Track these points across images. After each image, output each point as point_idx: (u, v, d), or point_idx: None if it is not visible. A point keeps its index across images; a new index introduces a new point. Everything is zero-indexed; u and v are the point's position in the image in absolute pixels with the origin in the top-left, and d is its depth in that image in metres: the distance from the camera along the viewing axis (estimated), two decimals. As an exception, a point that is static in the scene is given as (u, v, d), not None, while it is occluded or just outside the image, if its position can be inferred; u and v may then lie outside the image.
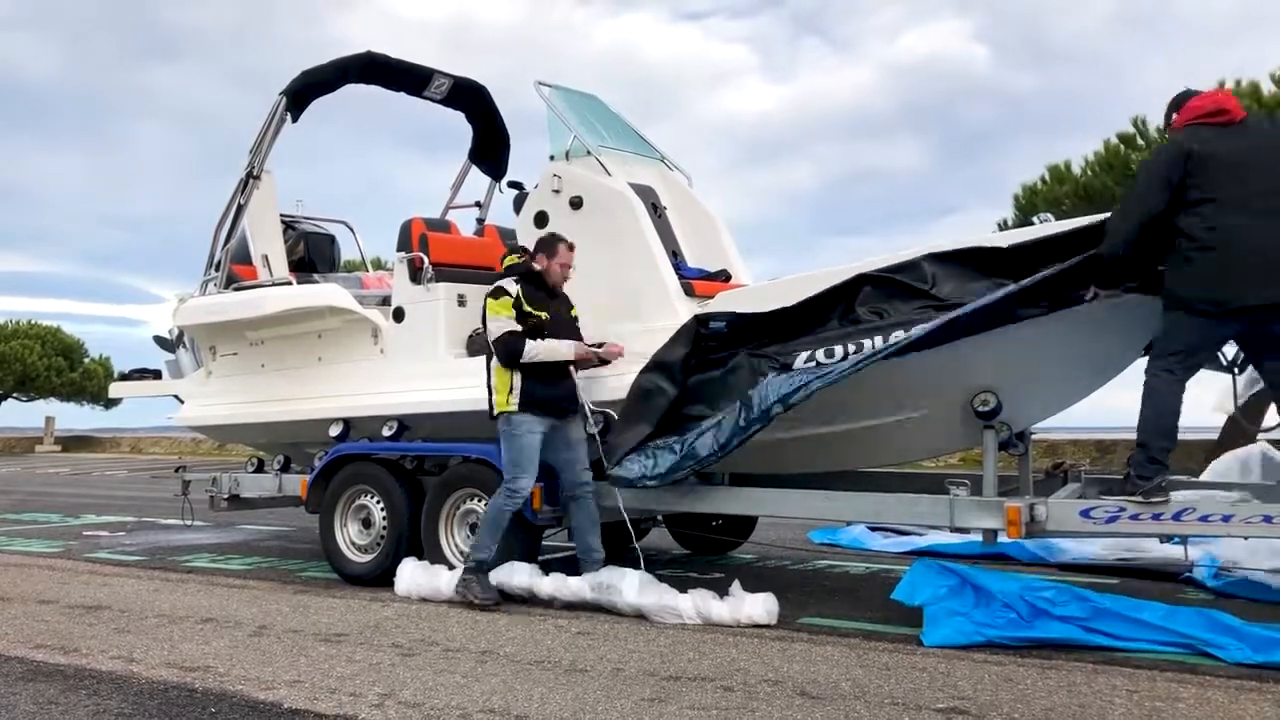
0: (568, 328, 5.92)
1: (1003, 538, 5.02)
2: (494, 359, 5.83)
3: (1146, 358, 4.87)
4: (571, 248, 5.97)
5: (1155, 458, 4.69)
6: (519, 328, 5.74)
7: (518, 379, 5.75)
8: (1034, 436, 6.32)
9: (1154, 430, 4.71)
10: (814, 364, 5.06)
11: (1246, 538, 5.32)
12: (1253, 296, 4.49)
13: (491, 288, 5.90)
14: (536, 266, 5.92)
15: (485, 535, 5.76)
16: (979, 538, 5.31)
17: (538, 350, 5.72)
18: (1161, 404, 4.70)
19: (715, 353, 5.45)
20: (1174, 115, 4.87)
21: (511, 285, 5.82)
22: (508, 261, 6.02)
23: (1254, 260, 4.47)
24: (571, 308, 6.04)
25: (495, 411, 5.83)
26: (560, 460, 5.87)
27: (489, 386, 5.88)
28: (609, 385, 5.89)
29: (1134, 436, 4.81)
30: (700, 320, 5.45)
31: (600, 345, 5.88)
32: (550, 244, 5.95)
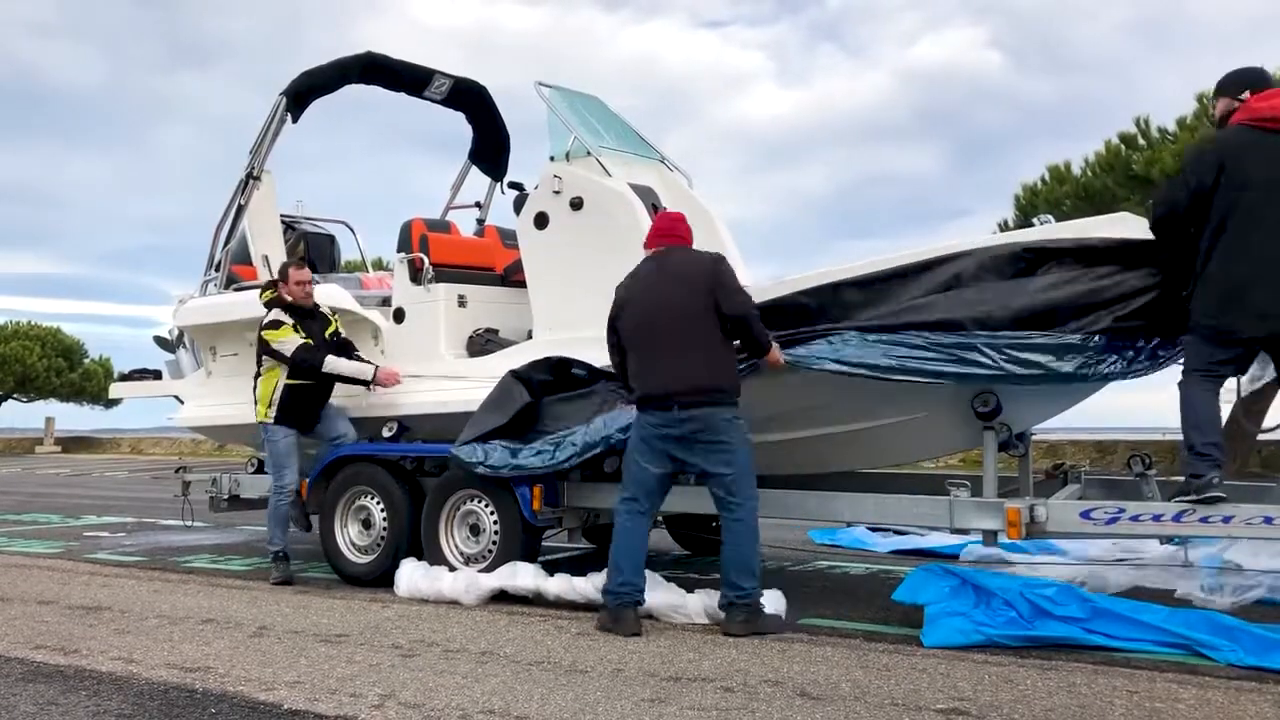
0: (326, 347, 6.73)
1: (1002, 539, 5.02)
2: (259, 374, 6.73)
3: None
4: (301, 267, 6.84)
5: (1201, 452, 4.60)
6: (310, 342, 6.61)
7: (278, 394, 6.65)
8: (1034, 437, 6.32)
9: (1192, 427, 4.63)
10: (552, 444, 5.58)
11: (1247, 539, 5.32)
12: (1251, 329, 4.47)
13: (266, 322, 6.66)
14: (286, 296, 6.74)
15: (275, 529, 6.69)
16: (979, 537, 5.31)
17: (340, 365, 6.64)
18: (1191, 405, 4.63)
19: (579, 384, 5.86)
20: (1244, 92, 4.66)
21: (282, 315, 6.67)
22: (264, 298, 6.83)
23: (1260, 289, 4.41)
24: (328, 326, 6.86)
25: (256, 419, 6.75)
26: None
27: (254, 395, 6.76)
28: (417, 400, 6.69)
29: (1133, 438, 4.82)
30: (566, 362, 5.91)
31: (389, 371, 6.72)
32: (282, 272, 6.83)
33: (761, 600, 5.04)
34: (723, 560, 5.05)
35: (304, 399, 6.72)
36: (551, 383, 5.87)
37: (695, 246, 5.41)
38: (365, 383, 6.71)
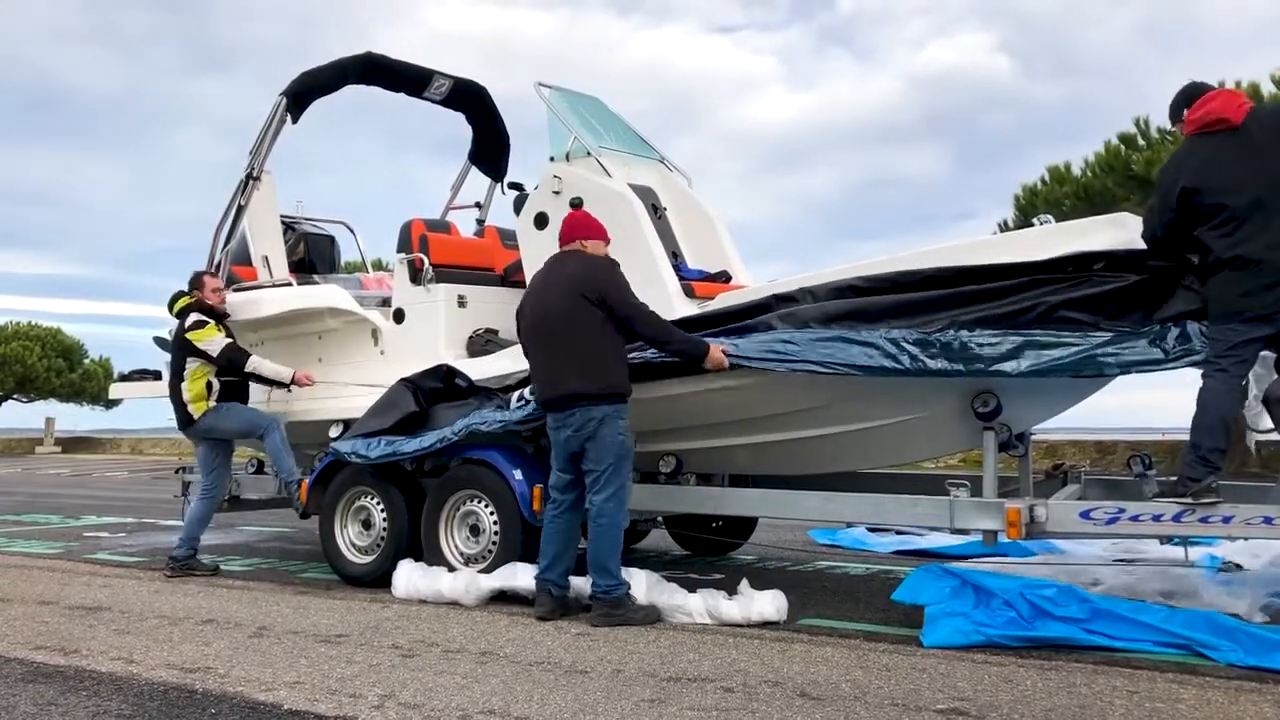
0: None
1: (1003, 539, 5.02)
2: (183, 379, 6.99)
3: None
4: (214, 274, 7.27)
5: (1206, 458, 4.60)
6: (234, 341, 7.02)
7: (213, 388, 6.99)
8: (1034, 437, 6.32)
9: (1204, 430, 4.62)
10: (521, 400, 5.80)
11: (1247, 539, 5.31)
12: (1270, 304, 4.47)
13: (190, 323, 6.98)
14: (208, 301, 7.12)
15: (196, 528, 7.09)
16: (979, 538, 5.31)
17: (263, 366, 7.00)
18: (1212, 404, 4.62)
19: (464, 394, 6.25)
20: (1183, 111, 4.83)
21: (204, 316, 7.01)
22: (181, 303, 7.22)
23: (1273, 263, 4.46)
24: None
25: (195, 415, 6.99)
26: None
27: (180, 401, 7.01)
28: (332, 406, 7.07)
29: (1133, 438, 4.81)
30: (451, 371, 6.32)
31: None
32: (197, 279, 7.21)
33: (629, 593, 5.27)
34: (588, 554, 5.31)
35: (234, 392, 7.11)
36: (441, 389, 6.27)
37: (694, 246, 5.44)
38: (285, 385, 7.13)
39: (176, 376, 7.09)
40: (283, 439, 7.05)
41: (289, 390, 7.19)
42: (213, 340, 6.94)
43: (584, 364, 5.23)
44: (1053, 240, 5.06)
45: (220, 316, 7.17)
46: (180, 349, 7.06)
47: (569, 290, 5.28)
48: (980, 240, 5.55)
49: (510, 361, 6.29)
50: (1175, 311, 4.70)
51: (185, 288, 7.40)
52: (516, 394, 5.92)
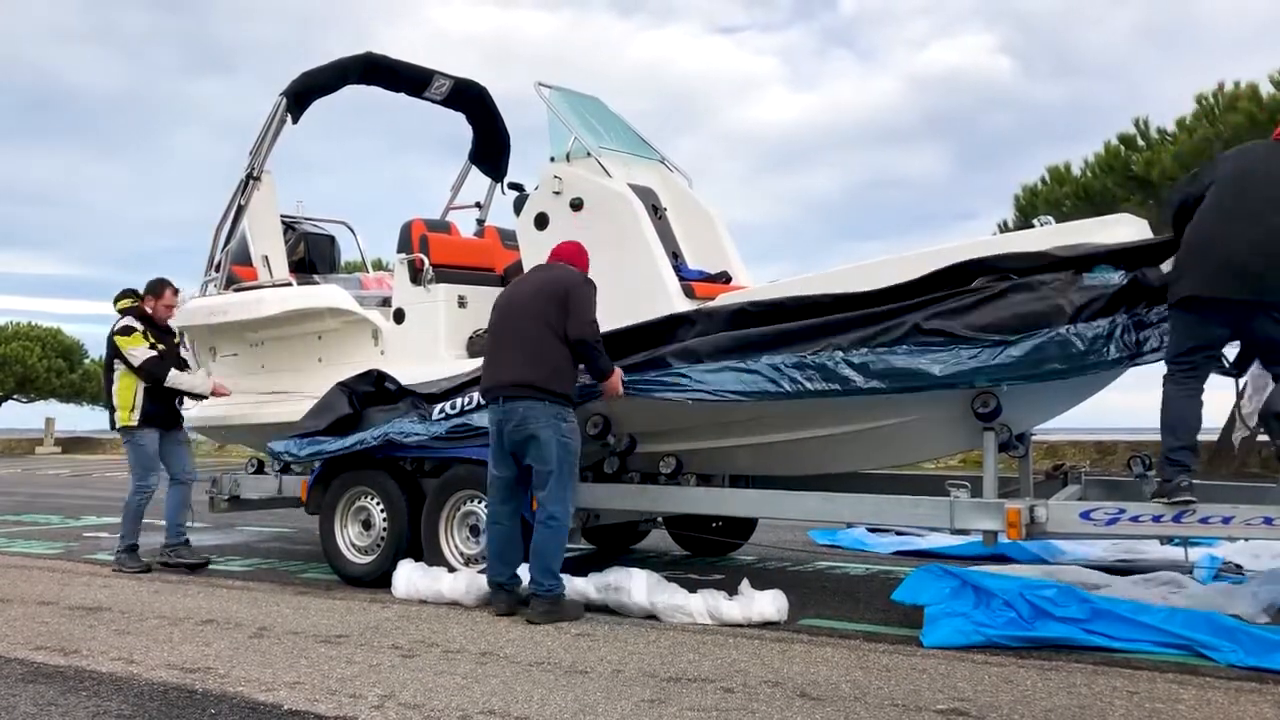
0: (176, 360, 7.26)
1: (1003, 539, 5.02)
2: (114, 382, 7.10)
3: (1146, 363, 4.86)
4: (176, 291, 7.32)
5: (1172, 459, 4.66)
6: (156, 354, 7.03)
7: (139, 398, 7.04)
8: (1034, 438, 6.32)
9: (1167, 429, 4.69)
10: (442, 414, 6.06)
11: (1247, 540, 5.32)
12: (1229, 291, 4.51)
13: (119, 327, 7.05)
14: (147, 308, 7.18)
15: (130, 525, 7.17)
16: (979, 539, 5.31)
17: (180, 379, 7.12)
18: (1170, 407, 4.69)
19: (393, 398, 6.49)
20: None
21: (136, 323, 7.07)
22: (120, 305, 7.23)
23: (1234, 259, 4.49)
24: (175, 338, 7.42)
25: (118, 425, 7.10)
26: (169, 456, 7.28)
27: (111, 403, 7.12)
28: (272, 410, 7.37)
29: (1133, 438, 4.83)
30: (381, 376, 6.58)
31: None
32: (157, 288, 7.24)
33: (564, 590, 5.37)
34: (530, 553, 5.36)
35: (162, 399, 7.17)
36: (373, 393, 6.55)
37: (695, 246, 5.45)
38: (202, 396, 7.37)
39: (109, 371, 7.22)
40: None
41: (204, 400, 7.44)
42: (136, 350, 7.02)
43: (540, 362, 5.33)
44: (1052, 240, 5.07)
45: (161, 329, 7.25)
46: (109, 348, 7.18)
47: (543, 293, 5.41)
48: (980, 240, 5.55)
49: None
50: (1051, 318, 4.73)
51: (141, 289, 7.41)
52: (439, 406, 6.08)
